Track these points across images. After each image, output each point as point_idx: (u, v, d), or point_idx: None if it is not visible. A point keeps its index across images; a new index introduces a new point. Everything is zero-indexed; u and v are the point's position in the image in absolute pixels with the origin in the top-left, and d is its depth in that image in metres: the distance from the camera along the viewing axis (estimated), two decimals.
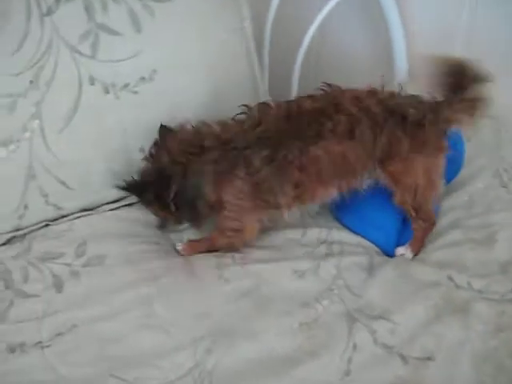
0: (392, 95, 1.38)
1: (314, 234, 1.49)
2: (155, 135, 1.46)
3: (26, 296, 1.31)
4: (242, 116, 1.39)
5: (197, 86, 1.54)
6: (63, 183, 1.46)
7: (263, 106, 1.39)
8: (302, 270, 1.38)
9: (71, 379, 1.16)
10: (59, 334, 1.23)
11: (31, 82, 1.40)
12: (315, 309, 1.30)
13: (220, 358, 1.19)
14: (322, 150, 1.33)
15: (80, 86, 1.43)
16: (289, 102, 1.40)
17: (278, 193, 1.35)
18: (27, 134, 1.41)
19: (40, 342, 1.22)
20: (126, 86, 1.46)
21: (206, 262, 1.41)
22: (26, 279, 1.34)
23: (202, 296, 1.33)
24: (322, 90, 1.40)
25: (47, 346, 1.21)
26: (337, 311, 1.29)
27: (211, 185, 1.33)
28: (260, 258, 1.42)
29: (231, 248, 1.42)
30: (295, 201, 1.39)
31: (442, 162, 1.41)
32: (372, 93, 1.38)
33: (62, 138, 1.44)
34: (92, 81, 1.44)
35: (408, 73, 2.10)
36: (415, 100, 1.38)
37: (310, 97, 1.38)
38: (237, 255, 1.42)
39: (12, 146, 1.40)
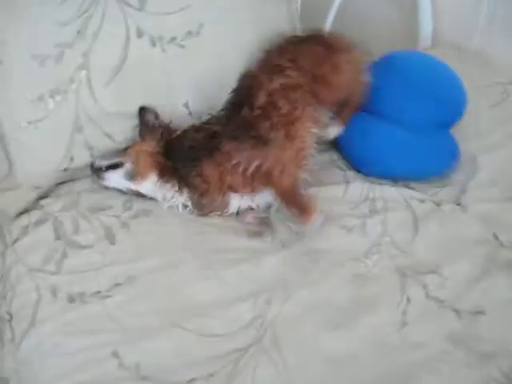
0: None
1: (357, 190, 1.49)
2: (200, 90, 1.46)
3: (79, 247, 1.30)
4: None
5: (242, 41, 1.52)
6: (109, 136, 1.45)
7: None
8: (349, 226, 1.39)
9: (133, 328, 1.17)
10: (118, 285, 1.23)
11: (78, 32, 1.38)
12: (365, 263, 1.32)
13: (280, 308, 1.21)
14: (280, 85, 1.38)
15: (127, 37, 1.41)
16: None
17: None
18: (74, 85, 1.39)
19: (99, 292, 1.22)
20: (173, 39, 1.45)
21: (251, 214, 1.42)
22: (76, 230, 1.34)
23: (252, 245, 1.34)
24: None
25: (108, 297, 1.21)
26: (387, 266, 1.31)
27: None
28: None
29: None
30: None
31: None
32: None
33: (109, 90, 1.42)
34: (139, 33, 1.42)
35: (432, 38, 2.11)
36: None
37: None
38: None
39: (59, 97, 1.39)
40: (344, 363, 1.14)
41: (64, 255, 1.28)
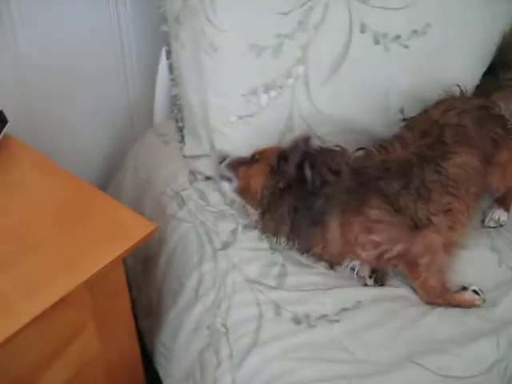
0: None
1: None
2: (418, 96, 1.34)
3: (299, 263, 1.21)
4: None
5: (470, 45, 1.38)
6: (320, 139, 1.33)
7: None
8: None
9: (367, 361, 1.05)
10: (345, 310, 1.12)
11: (300, 23, 1.26)
12: None
13: None
14: (455, 165, 1.19)
15: (350, 32, 1.29)
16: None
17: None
18: (290, 81, 1.28)
19: (326, 316, 1.11)
20: (398, 38, 1.31)
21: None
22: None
23: (484, 282, 1.20)
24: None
25: (335, 321, 1.10)
26: None
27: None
28: None
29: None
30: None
31: None
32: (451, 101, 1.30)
33: (326, 89, 1.31)
34: (363, 28, 1.29)
35: None
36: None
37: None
38: None
39: (273, 93, 1.28)
40: None
41: (284, 270, 1.18)
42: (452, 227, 1.19)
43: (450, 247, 1.19)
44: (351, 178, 1.15)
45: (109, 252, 1.01)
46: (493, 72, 1.33)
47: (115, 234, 1.04)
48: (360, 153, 1.23)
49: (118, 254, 1.01)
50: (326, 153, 1.17)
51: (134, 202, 1.43)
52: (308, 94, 1.29)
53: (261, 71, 1.27)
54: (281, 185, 1.16)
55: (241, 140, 1.30)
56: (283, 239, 1.19)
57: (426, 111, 1.30)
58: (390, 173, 1.15)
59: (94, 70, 1.49)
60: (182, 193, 1.33)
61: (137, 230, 1.05)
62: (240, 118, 1.28)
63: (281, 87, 1.28)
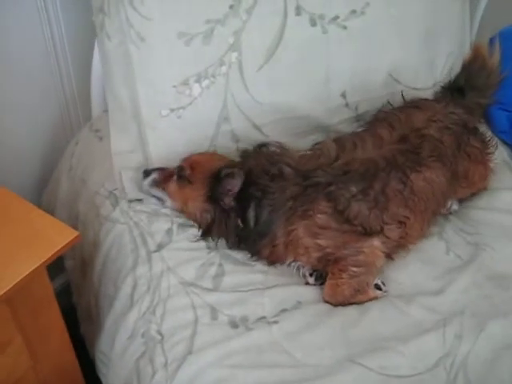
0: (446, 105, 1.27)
1: None
2: (360, 79, 1.28)
3: (237, 262, 1.15)
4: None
5: (409, 28, 1.33)
6: (258, 129, 1.27)
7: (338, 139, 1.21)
8: None
9: (307, 364, 1.00)
10: (284, 311, 1.07)
11: (231, 6, 1.19)
12: None
13: (472, 344, 1.04)
14: (423, 179, 1.16)
15: (285, 15, 1.23)
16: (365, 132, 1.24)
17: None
18: (224, 69, 1.22)
19: (264, 318, 1.06)
20: (335, 19, 1.26)
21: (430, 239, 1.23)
22: None
23: (431, 270, 1.16)
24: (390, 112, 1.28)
25: (274, 323, 1.05)
26: None
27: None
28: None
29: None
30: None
31: None
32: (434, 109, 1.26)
33: (262, 76, 1.24)
34: (299, 11, 1.23)
35: None
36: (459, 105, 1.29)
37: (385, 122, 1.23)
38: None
39: (206, 82, 1.22)
40: None
41: (221, 270, 1.12)
42: (403, 237, 1.16)
43: (398, 250, 1.17)
44: (297, 182, 1.10)
45: (28, 263, 0.95)
46: (462, 95, 1.30)
47: (35, 244, 0.98)
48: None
49: (37, 264, 0.95)
50: (263, 159, 1.14)
51: (70, 203, 1.36)
52: (243, 82, 1.23)
53: (192, 60, 1.20)
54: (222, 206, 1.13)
55: (174, 134, 1.23)
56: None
57: (402, 109, 1.27)
58: (348, 176, 1.11)
59: (23, 65, 1.41)
60: (115, 192, 1.26)
61: (57, 238, 0.98)
62: (172, 110, 1.22)
63: (214, 76, 1.21)
